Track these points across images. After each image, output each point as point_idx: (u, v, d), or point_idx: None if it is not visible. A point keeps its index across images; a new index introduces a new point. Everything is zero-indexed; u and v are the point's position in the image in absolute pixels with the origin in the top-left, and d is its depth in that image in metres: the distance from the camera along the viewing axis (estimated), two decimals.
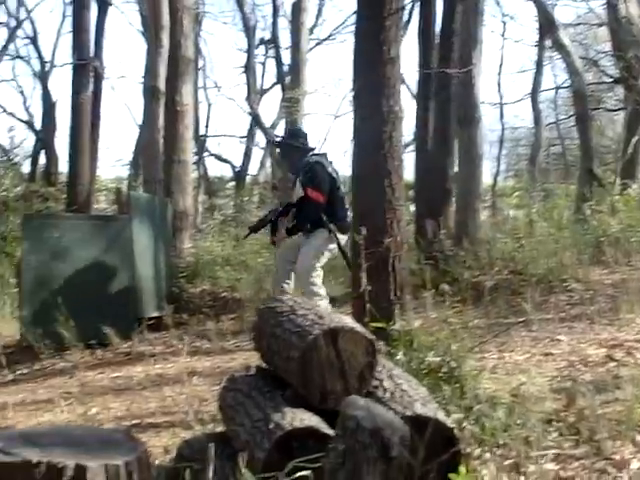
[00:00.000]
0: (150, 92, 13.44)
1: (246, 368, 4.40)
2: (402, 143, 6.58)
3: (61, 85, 76.89)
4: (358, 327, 3.90)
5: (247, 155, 31.79)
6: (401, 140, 6.46)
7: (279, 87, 28.92)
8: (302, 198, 9.17)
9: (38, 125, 31.73)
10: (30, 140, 33.47)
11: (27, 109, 34.76)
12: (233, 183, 32.10)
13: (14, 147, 34.67)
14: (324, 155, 9.57)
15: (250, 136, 31.80)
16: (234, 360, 8.49)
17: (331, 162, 9.45)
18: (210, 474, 2.95)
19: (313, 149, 9.60)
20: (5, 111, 32.97)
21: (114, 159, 66.31)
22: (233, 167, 32.30)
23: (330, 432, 3.46)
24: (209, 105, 33.70)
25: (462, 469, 3.31)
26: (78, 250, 9.89)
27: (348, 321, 3.98)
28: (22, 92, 36.38)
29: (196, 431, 5.06)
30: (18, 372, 9.14)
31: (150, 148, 13.35)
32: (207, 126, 32.79)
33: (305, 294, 9.03)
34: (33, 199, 24.46)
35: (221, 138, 47.51)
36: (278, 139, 11.29)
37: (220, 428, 4.78)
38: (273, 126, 30.12)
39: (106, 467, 2.47)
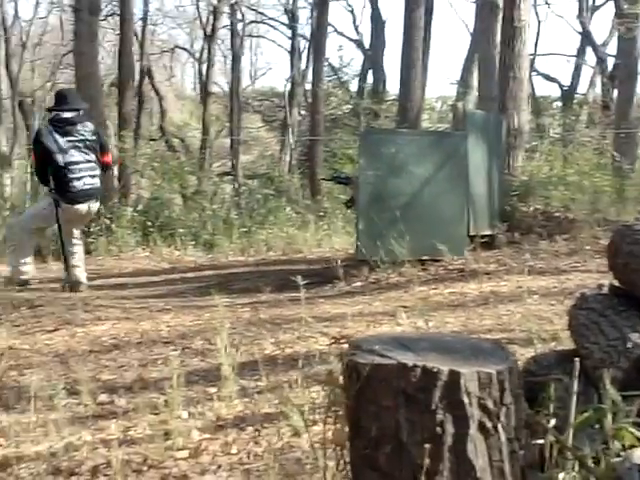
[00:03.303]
0: (487, 7, 13.28)
1: (598, 286, 4.28)
2: None
3: (391, 3, 77.86)
4: None
5: (576, 74, 31.04)
6: None
7: (612, 3, 27.90)
8: None
9: (367, 44, 32.34)
10: (359, 59, 34.24)
11: (356, 28, 35.46)
12: (559, 102, 31.51)
13: (343, 66, 35.59)
14: (55, 121, 9.52)
15: (580, 54, 30.97)
16: (569, 280, 8.34)
17: (67, 130, 9.46)
18: (574, 388, 2.91)
19: (56, 114, 9.69)
20: (335, 30, 33.90)
21: (440, 78, 66.61)
22: (561, 86, 31.68)
23: None
24: (539, 22, 33.09)
25: None
26: (413, 166, 9.95)
27: None
28: (352, 11, 37.28)
29: (537, 349, 5.02)
30: (353, 285, 9.39)
31: (486, 64, 13.25)
32: (536, 44, 32.22)
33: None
34: (362, 116, 25.03)
35: (549, 57, 46.61)
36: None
37: (562, 346, 4.72)
38: (604, 44, 29.17)
39: (479, 374, 2.48)
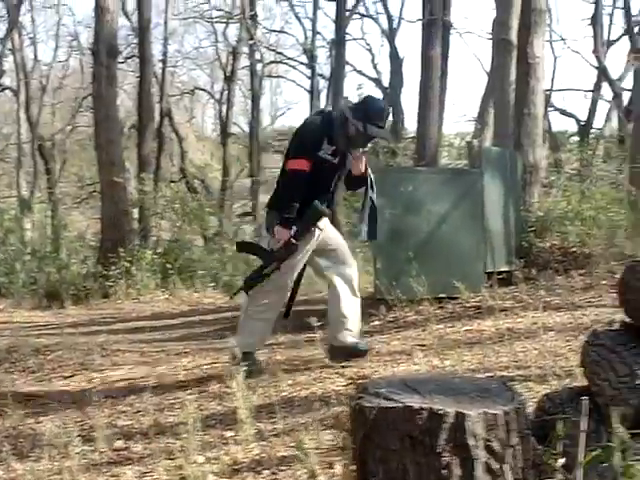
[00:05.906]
0: (502, 45, 13.34)
1: (609, 323, 4.29)
2: None
3: (408, 42, 78.14)
4: None
5: (592, 109, 31.10)
6: None
7: (627, 38, 28.04)
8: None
9: (386, 81, 32.54)
10: (377, 96, 34.45)
11: (375, 67, 35.65)
12: (576, 137, 31.54)
13: None
14: None
15: (596, 89, 31.04)
16: (585, 316, 8.29)
17: None
18: (584, 426, 2.91)
19: None
20: (354, 69, 34.15)
21: (458, 115, 66.89)
22: (577, 121, 31.76)
23: None
24: (554, 59, 33.22)
25: None
26: (429, 203, 9.98)
27: None
28: (370, 50, 37.51)
29: (552, 386, 5.01)
30: (372, 324, 9.38)
31: (501, 101, 13.31)
32: (552, 80, 32.31)
33: None
34: (380, 154, 25.09)
35: (565, 92, 46.74)
36: None
37: (576, 383, 4.71)
38: (620, 79, 29.25)
39: (485, 415, 2.49)
